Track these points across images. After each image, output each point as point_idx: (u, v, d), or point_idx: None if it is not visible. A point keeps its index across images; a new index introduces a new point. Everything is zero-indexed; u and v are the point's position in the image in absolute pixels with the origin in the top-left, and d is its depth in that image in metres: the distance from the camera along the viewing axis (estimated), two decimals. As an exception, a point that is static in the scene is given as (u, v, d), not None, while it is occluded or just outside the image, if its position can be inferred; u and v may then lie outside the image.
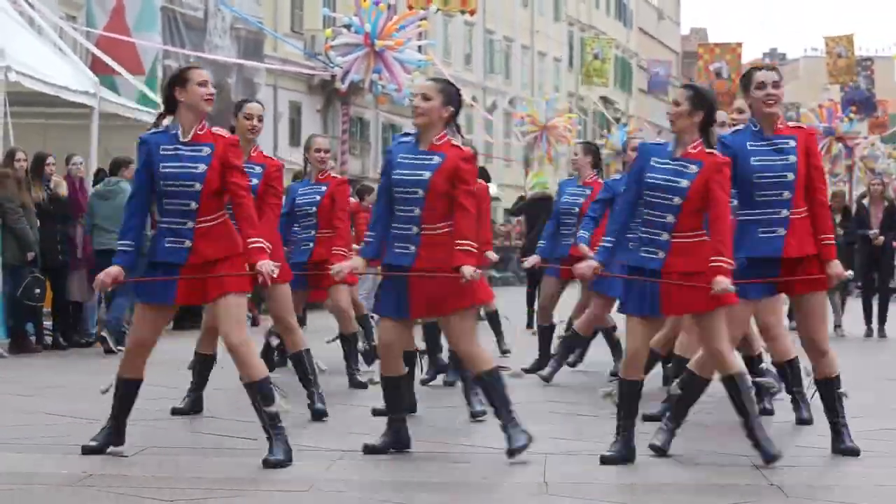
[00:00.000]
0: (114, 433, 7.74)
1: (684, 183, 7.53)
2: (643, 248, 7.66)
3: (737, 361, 7.82)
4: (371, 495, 6.74)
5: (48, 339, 14.80)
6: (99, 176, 16.50)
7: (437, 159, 7.70)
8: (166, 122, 7.68)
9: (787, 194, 7.78)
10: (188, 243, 7.48)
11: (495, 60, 58.74)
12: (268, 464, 7.34)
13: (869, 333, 18.18)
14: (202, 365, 9.62)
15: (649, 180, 7.62)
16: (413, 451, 7.91)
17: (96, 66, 20.28)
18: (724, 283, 7.43)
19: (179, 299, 7.62)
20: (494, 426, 7.91)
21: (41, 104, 17.51)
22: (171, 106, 7.61)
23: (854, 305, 19.36)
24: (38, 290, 14.16)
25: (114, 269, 7.61)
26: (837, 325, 18.16)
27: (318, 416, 9.26)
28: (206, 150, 7.48)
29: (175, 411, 9.40)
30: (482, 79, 57.07)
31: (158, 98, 21.21)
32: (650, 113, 72.62)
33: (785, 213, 7.77)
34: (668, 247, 7.58)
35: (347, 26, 22.19)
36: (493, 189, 27.98)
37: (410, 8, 25.19)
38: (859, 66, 51.78)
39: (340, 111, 42.01)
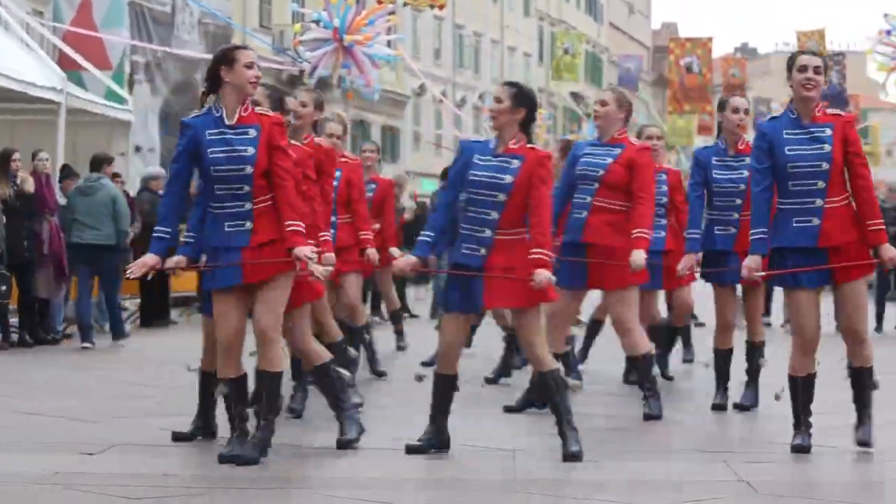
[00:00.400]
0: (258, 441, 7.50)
1: (508, 178, 7.55)
2: (464, 244, 7.64)
3: (550, 360, 7.71)
4: (332, 492, 6.68)
5: (14, 337, 14.68)
6: (64, 171, 16.40)
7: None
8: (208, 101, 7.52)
9: (821, 184, 7.62)
10: (249, 224, 7.33)
11: (465, 55, 58.70)
12: (223, 458, 7.27)
13: (838, 328, 18.13)
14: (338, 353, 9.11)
15: (473, 177, 7.62)
16: (378, 448, 7.87)
17: (63, 61, 20.12)
18: (544, 275, 7.44)
19: (246, 278, 7.35)
20: (461, 422, 7.87)
21: (7, 100, 17.41)
22: (214, 85, 7.49)
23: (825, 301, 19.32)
24: (3, 287, 14.05)
25: (151, 259, 7.45)
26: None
27: (293, 414, 9.15)
28: (253, 133, 7.37)
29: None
30: (451, 74, 57.01)
31: (126, 94, 21.14)
32: (620, 108, 72.53)
33: (819, 202, 7.61)
34: (490, 243, 7.57)
35: (316, 21, 22.14)
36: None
37: (380, 2, 25.12)
38: (831, 61, 51.92)
39: (310, 106, 42.06)
